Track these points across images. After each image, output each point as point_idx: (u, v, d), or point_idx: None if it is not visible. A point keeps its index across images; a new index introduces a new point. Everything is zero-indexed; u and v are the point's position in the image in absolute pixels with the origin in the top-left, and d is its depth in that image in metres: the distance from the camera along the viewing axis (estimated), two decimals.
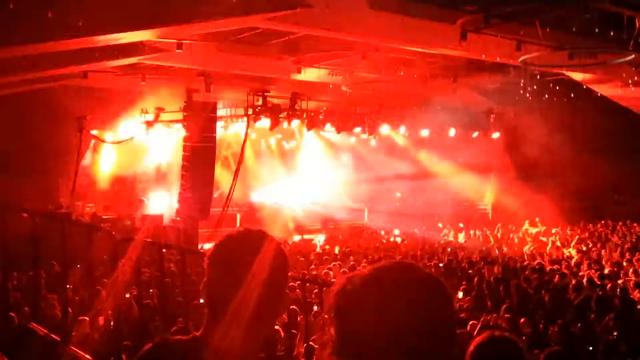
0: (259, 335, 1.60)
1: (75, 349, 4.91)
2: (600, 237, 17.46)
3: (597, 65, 14.72)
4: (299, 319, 7.77)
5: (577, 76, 16.75)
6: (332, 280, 9.92)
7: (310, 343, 6.40)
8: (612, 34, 12.27)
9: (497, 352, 2.17)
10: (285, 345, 7.02)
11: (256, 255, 1.57)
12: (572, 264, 12.65)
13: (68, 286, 8.00)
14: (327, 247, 16.34)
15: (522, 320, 7.48)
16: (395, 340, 1.13)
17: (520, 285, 9.81)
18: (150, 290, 8.51)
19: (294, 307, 7.87)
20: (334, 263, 12.41)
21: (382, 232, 20.12)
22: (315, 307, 7.96)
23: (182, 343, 1.56)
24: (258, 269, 1.56)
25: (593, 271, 11.28)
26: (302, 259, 13.66)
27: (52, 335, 5.13)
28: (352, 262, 12.52)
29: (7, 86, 15.61)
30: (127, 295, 7.88)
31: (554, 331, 7.21)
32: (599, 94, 17.56)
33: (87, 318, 6.90)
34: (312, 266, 12.41)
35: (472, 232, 19.13)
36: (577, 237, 17.70)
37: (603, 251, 14.66)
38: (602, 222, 20.02)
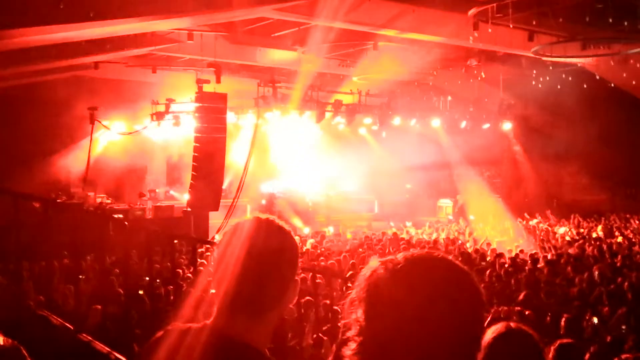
0: (268, 325, 1.60)
1: (88, 337, 4.96)
2: (613, 230, 17.31)
3: (610, 56, 14.56)
4: (308, 309, 7.78)
5: (590, 67, 16.57)
6: (351, 271, 9.94)
7: (320, 335, 6.43)
8: (625, 23, 12.12)
9: (514, 343, 2.19)
10: (295, 336, 7.05)
11: (265, 244, 1.57)
12: (584, 257, 12.56)
13: (80, 276, 8.09)
14: (336, 238, 16.32)
15: (532, 312, 7.45)
16: (424, 326, 1.16)
17: (531, 278, 9.77)
18: (158, 280, 8.57)
19: (304, 298, 7.88)
20: (343, 254, 12.42)
21: (392, 224, 20.08)
22: (328, 301, 7.96)
23: (192, 331, 1.56)
24: (267, 258, 1.56)
25: (605, 264, 11.19)
26: (311, 250, 13.68)
27: (66, 323, 5.20)
28: (362, 255, 12.51)
29: (20, 77, 15.73)
30: (138, 285, 7.94)
31: (564, 324, 7.18)
32: (612, 85, 17.35)
33: (99, 307, 6.97)
34: (322, 257, 12.42)
35: (482, 224, 19.02)
36: (589, 229, 17.57)
37: (615, 244, 14.54)
38: (615, 215, 19.85)
